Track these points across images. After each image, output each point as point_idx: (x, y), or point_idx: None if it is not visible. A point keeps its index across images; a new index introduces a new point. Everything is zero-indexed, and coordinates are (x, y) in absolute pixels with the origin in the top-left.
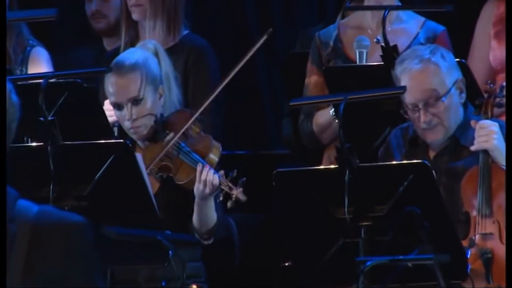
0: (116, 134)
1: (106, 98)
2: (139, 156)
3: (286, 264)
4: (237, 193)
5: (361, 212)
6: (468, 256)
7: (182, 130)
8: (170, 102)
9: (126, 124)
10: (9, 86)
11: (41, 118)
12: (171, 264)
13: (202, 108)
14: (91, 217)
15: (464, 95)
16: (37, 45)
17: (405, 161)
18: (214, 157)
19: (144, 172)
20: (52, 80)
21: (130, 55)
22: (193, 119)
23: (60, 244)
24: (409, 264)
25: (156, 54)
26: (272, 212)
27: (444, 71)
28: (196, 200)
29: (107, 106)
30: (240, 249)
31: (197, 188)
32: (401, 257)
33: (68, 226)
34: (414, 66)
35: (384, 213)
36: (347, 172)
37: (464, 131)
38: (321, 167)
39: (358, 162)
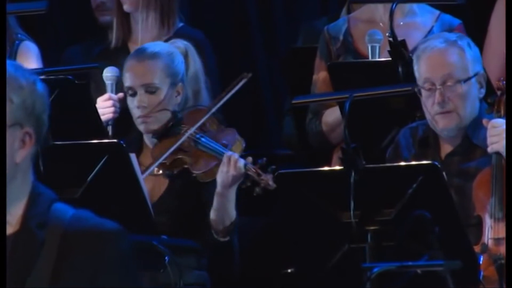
0: (110, 133)
1: (98, 95)
2: (133, 156)
3: (288, 271)
4: (267, 179)
5: (367, 216)
6: (481, 262)
7: (201, 122)
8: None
9: (135, 112)
10: (33, 77)
11: None
12: (167, 271)
13: (221, 103)
14: None
15: (483, 91)
16: (26, 39)
17: (414, 162)
18: (236, 150)
19: (140, 174)
20: (41, 77)
21: (154, 45)
22: (211, 112)
23: (90, 252)
24: (418, 270)
25: (185, 55)
26: (273, 216)
27: (468, 57)
28: (218, 189)
29: (100, 104)
30: (240, 255)
31: (221, 172)
32: (410, 263)
33: (100, 234)
34: (438, 44)
35: (392, 217)
36: (353, 173)
37: (476, 129)
38: (325, 168)
39: (365, 163)
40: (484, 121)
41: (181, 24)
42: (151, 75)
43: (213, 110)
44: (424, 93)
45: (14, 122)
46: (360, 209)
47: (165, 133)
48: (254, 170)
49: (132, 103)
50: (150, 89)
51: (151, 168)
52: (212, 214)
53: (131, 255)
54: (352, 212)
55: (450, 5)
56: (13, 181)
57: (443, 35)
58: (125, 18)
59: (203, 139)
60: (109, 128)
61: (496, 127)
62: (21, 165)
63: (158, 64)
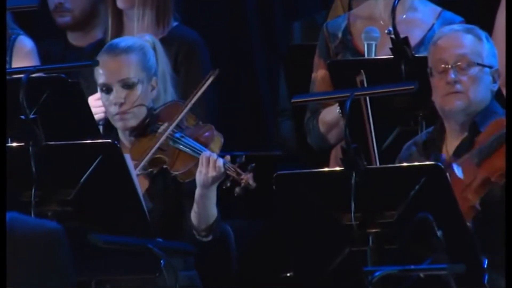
0: (101, 132)
1: (88, 94)
2: (128, 157)
3: (288, 274)
4: (247, 178)
5: (369, 218)
6: (485, 265)
7: (178, 119)
8: (164, 102)
9: (112, 110)
10: None
11: (22, 117)
12: (163, 275)
13: (196, 97)
14: (76, 224)
15: (496, 86)
16: (22, 34)
17: (416, 163)
18: (215, 147)
19: (134, 175)
20: (34, 75)
21: (125, 39)
22: (187, 108)
23: (37, 253)
24: (421, 274)
25: (153, 49)
26: (272, 218)
27: (485, 47)
28: (198, 190)
29: (92, 103)
30: (238, 258)
31: (200, 173)
32: (412, 267)
33: (44, 234)
34: (457, 28)
35: (394, 219)
36: (354, 174)
37: (485, 118)
38: (326, 169)
39: (366, 164)
40: None
41: (175, 24)
42: (127, 70)
43: (190, 104)
44: (436, 75)
45: None
46: (361, 211)
47: (142, 131)
48: (233, 169)
49: (107, 100)
50: (127, 84)
51: (136, 171)
52: (193, 215)
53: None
54: (353, 214)
55: (452, 1)
56: None
57: (463, 24)
58: (118, 15)
59: (183, 139)
60: (100, 128)
61: None
62: None
63: (132, 58)
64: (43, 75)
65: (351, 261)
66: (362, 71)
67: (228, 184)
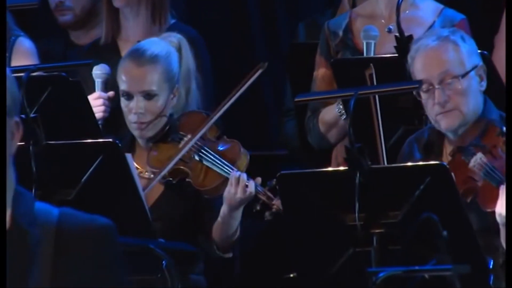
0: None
1: (90, 93)
2: (129, 156)
3: (291, 275)
4: (278, 204)
5: (373, 218)
6: (491, 266)
7: (202, 132)
8: (187, 105)
9: (131, 118)
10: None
11: (23, 116)
12: (164, 275)
13: (221, 111)
14: None
15: (484, 84)
16: (22, 35)
17: (421, 163)
18: (242, 165)
19: (136, 175)
20: (34, 74)
21: (152, 45)
22: (212, 121)
23: (86, 249)
24: (426, 275)
25: (179, 50)
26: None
27: (463, 51)
28: (224, 208)
29: (93, 102)
30: (240, 259)
31: (228, 193)
32: (417, 267)
33: (94, 230)
34: (431, 42)
35: (398, 219)
36: (358, 174)
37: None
38: (329, 169)
39: (370, 163)
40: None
41: (173, 21)
42: (150, 82)
43: (215, 118)
44: (423, 94)
45: (8, 113)
46: (365, 212)
47: (162, 139)
48: (263, 193)
49: (127, 106)
50: (149, 96)
51: (155, 181)
52: (216, 231)
53: (120, 251)
54: (357, 214)
55: None
56: (9, 177)
57: (435, 31)
58: (114, 14)
59: (209, 154)
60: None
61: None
62: (11, 158)
63: (158, 69)
64: (43, 73)
65: (355, 262)
66: (371, 65)
67: (258, 208)
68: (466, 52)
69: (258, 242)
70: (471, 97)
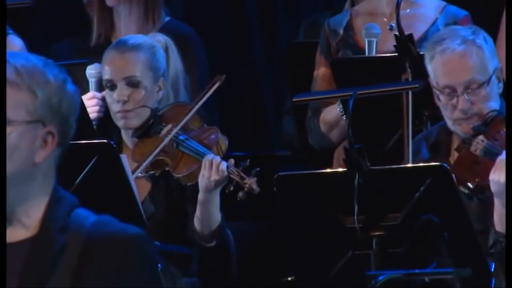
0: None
1: (84, 93)
2: (124, 157)
3: (289, 279)
4: (251, 182)
5: (372, 220)
6: (492, 269)
7: (183, 121)
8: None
9: (114, 108)
10: (63, 76)
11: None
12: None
13: (203, 100)
14: None
15: (502, 86)
16: (11, 33)
17: (421, 164)
18: (219, 150)
19: (130, 176)
20: None
21: (135, 37)
22: (194, 110)
23: (112, 258)
24: (426, 279)
25: (166, 50)
26: (273, 221)
27: (486, 55)
28: (200, 194)
29: (87, 102)
30: (238, 262)
31: (202, 176)
32: (417, 271)
33: (122, 240)
34: (457, 46)
35: (399, 222)
36: (357, 176)
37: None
38: (328, 170)
39: (369, 164)
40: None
41: (167, 18)
42: (133, 68)
43: (195, 108)
44: (443, 97)
45: (37, 118)
46: (364, 214)
47: (145, 133)
48: (237, 173)
49: (111, 97)
50: (132, 82)
51: (137, 172)
52: (196, 221)
53: (155, 260)
54: (356, 216)
55: None
56: (32, 182)
57: (459, 32)
58: (107, 13)
59: (187, 141)
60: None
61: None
62: (42, 165)
63: (140, 56)
64: None
65: (354, 265)
66: (408, 70)
67: (231, 188)
68: (489, 55)
69: (256, 244)
70: (493, 101)
